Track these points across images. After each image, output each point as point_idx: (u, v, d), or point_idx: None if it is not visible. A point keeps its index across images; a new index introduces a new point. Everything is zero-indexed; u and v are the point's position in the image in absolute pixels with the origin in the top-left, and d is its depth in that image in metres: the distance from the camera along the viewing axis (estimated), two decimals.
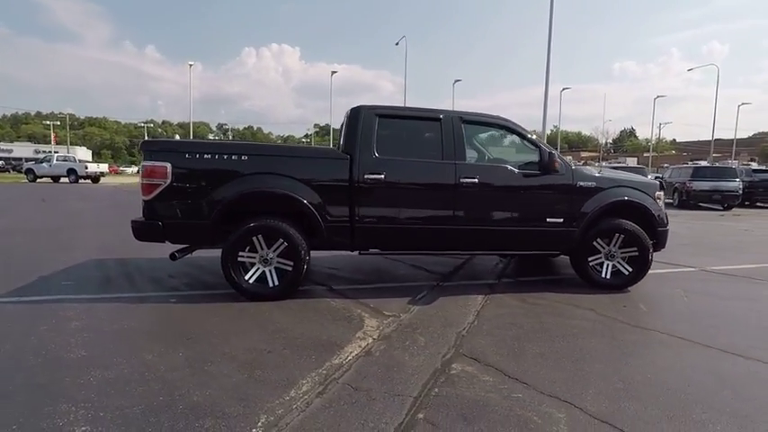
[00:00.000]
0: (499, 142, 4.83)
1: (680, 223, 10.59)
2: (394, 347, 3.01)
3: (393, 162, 4.08)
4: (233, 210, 3.89)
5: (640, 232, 4.44)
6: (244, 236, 3.84)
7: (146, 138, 71.87)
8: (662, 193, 4.77)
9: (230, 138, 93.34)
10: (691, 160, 41.68)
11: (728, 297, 4.51)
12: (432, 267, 5.48)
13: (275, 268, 3.98)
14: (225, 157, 3.88)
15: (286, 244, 3.90)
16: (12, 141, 71.76)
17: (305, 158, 4.14)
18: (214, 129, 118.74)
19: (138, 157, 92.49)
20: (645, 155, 61.17)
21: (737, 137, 47.51)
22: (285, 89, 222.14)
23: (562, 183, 4.35)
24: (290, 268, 3.94)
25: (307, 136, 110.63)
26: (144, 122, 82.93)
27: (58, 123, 67.60)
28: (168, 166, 3.78)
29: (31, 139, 75.11)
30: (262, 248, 3.92)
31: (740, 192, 15.35)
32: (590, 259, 4.55)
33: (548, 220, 4.34)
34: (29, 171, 27.93)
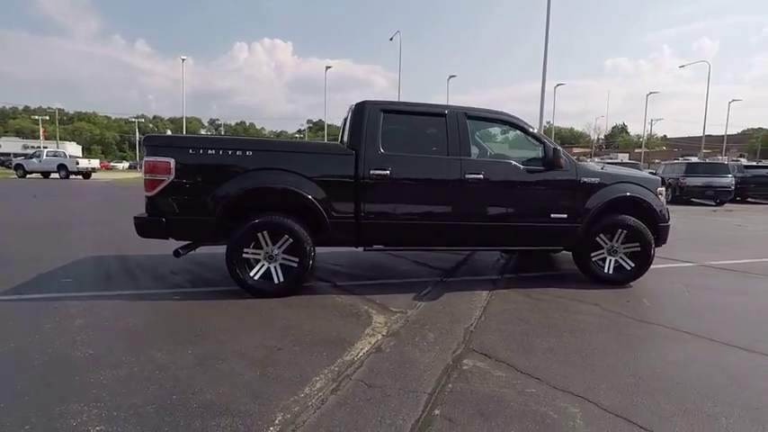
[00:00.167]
0: (503, 138, 4.83)
1: (675, 218, 10.61)
2: (404, 344, 3.01)
3: (399, 158, 4.06)
4: (237, 206, 3.85)
5: (643, 228, 4.48)
6: (249, 232, 3.81)
7: (137, 133, 71.09)
8: (663, 188, 4.81)
9: (223, 133, 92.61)
10: (681, 156, 42.14)
11: (728, 292, 4.56)
12: (434, 263, 5.48)
13: (280, 264, 3.95)
14: (229, 152, 3.83)
15: (291, 240, 3.87)
16: None
17: (310, 154, 4.11)
18: (206, 124, 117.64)
19: (128, 153, 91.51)
20: (636, 150, 61.71)
21: (727, 133, 48.10)
22: (277, 84, 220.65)
23: (566, 179, 4.37)
24: (295, 264, 3.92)
25: (300, 131, 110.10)
26: (135, 117, 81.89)
27: (47, 118, 66.49)
28: (171, 161, 3.73)
29: (19, 134, 73.84)
30: (267, 245, 3.89)
31: (732, 187, 15.55)
32: (593, 255, 4.58)
33: (552, 215, 4.35)
34: (18, 167, 27.47)
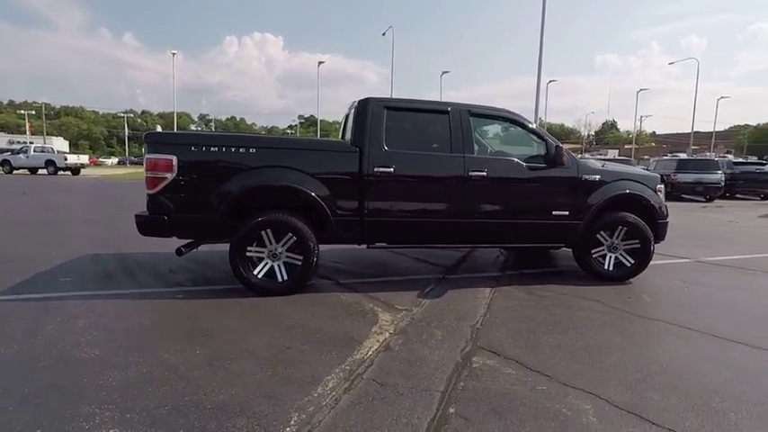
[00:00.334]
0: (506, 135, 4.84)
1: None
2: (412, 342, 3.01)
3: (403, 155, 4.05)
4: (241, 203, 3.81)
5: (643, 225, 4.53)
6: (252, 230, 3.78)
7: (126, 128, 70.04)
8: (662, 186, 4.86)
9: (213, 129, 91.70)
10: (670, 152, 42.61)
11: (726, 287, 4.63)
12: (434, 260, 5.50)
13: (284, 263, 3.93)
14: (232, 149, 3.79)
15: (295, 238, 3.85)
16: None
17: (314, 151, 4.08)
18: (196, 119, 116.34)
19: (117, 149, 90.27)
20: (626, 147, 62.32)
21: (713, 129, 48.78)
22: (268, 79, 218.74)
23: (568, 176, 4.39)
24: (299, 262, 3.90)
25: (290, 127, 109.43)
26: (123, 112, 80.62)
27: (33, 113, 65.22)
28: (174, 158, 3.68)
29: (4, 129, 72.29)
30: (270, 243, 3.87)
31: (722, 184, 15.78)
32: (593, 251, 4.62)
33: (554, 212, 4.38)
34: (5, 162, 26.90)
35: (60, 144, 51.67)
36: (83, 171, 28.14)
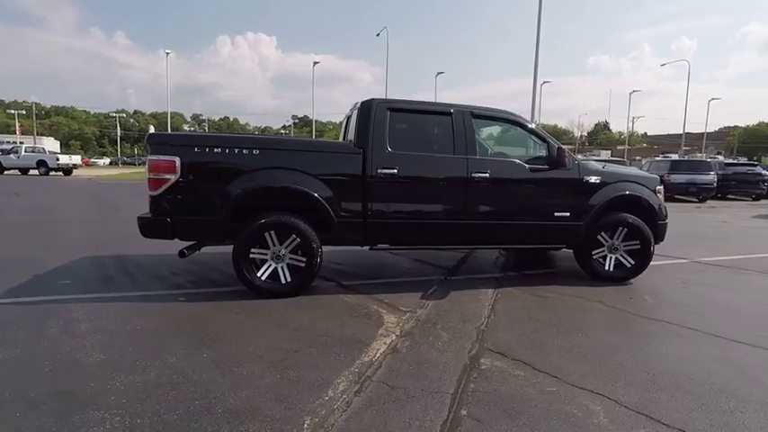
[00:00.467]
0: (507, 137, 4.86)
1: None
2: (419, 344, 3.01)
3: (406, 157, 4.05)
4: (244, 205, 3.79)
5: (643, 226, 4.56)
6: (256, 232, 3.76)
7: (118, 128, 69.38)
8: (662, 187, 4.91)
9: (206, 129, 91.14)
10: (662, 153, 43.09)
11: (725, 287, 4.69)
12: (434, 261, 5.50)
13: (287, 264, 3.91)
14: (236, 151, 3.76)
15: (299, 240, 3.83)
16: None
17: (318, 153, 4.07)
18: (188, 119, 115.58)
19: (108, 149, 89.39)
20: (618, 148, 62.86)
21: (705, 131, 49.37)
22: (261, 79, 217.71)
23: (569, 177, 4.42)
24: (302, 264, 3.88)
25: (284, 127, 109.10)
26: (116, 112, 79.75)
27: (24, 113, 64.40)
28: (177, 160, 3.65)
29: None
30: (274, 245, 3.85)
31: (715, 184, 15.97)
32: (594, 252, 4.65)
33: (555, 214, 4.40)
34: None
35: (51, 144, 50.98)
36: (75, 172, 27.83)
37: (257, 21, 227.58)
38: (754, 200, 17.74)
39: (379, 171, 3.96)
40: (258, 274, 3.83)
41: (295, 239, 3.84)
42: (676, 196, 16.41)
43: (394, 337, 3.11)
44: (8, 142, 43.22)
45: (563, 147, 4.36)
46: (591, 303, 3.98)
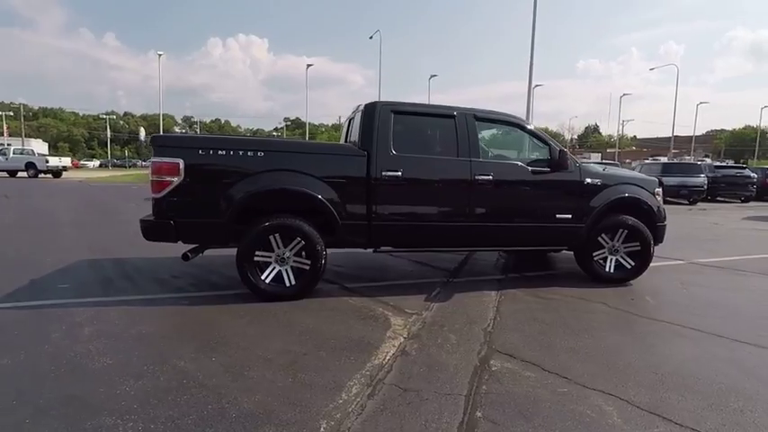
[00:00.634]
0: (508, 139, 4.89)
1: None
2: (428, 346, 3.01)
3: (410, 159, 4.06)
4: (248, 208, 3.77)
5: (643, 228, 4.61)
6: (261, 234, 3.74)
7: (108, 130, 68.60)
8: (660, 189, 4.97)
9: (198, 131, 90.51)
10: (651, 156, 43.66)
11: (723, 288, 4.76)
12: (436, 264, 5.51)
13: (291, 267, 3.89)
14: (240, 153, 3.74)
15: (303, 242, 3.82)
16: None
17: (323, 155, 4.06)
18: (180, 121, 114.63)
19: (98, 151, 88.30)
20: (608, 150, 63.56)
21: (692, 134, 50.16)
22: (253, 81, 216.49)
23: (571, 180, 4.46)
24: (307, 267, 3.86)
25: (276, 130, 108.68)
26: (105, 114, 78.88)
27: (11, 114, 63.38)
28: (180, 162, 3.62)
29: None
30: (278, 247, 3.83)
31: (705, 187, 16.21)
32: (595, 254, 4.69)
33: (557, 216, 4.44)
34: None
35: (39, 146, 50.19)
36: (64, 174, 27.45)
37: (249, 23, 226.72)
38: (742, 202, 18.03)
39: (383, 173, 3.96)
40: (262, 277, 3.80)
41: (300, 242, 3.82)
42: (668, 198, 16.62)
43: (402, 340, 3.10)
44: None
45: (565, 149, 4.39)
46: (594, 305, 4.01)
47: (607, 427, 2.10)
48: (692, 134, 50.55)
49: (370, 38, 38.94)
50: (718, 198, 18.47)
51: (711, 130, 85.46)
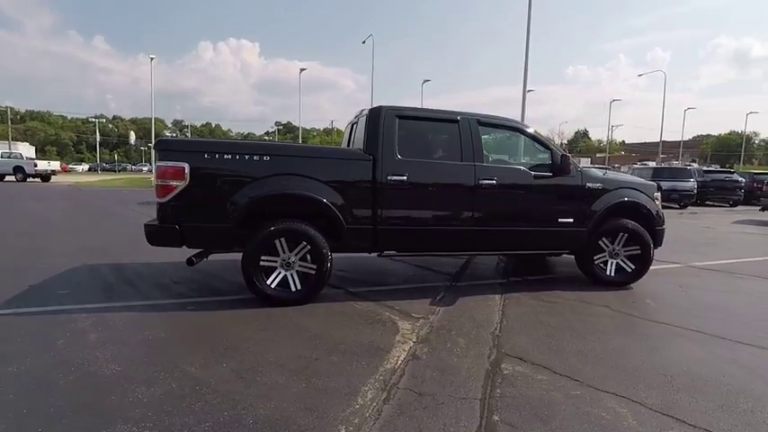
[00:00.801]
0: (512, 144, 4.94)
1: None
2: (438, 350, 3.02)
3: (415, 164, 4.08)
4: (254, 212, 3.75)
5: (642, 231, 4.68)
6: (267, 239, 3.72)
7: (97, 134, 67.66)
8: (659, 194, 5.05)
9: (188, 135, 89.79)
10: (639, 161, 44.25)
11: (721, 291, 4.84)
12: (437, 268, 5.53)
13: (296, 272, 3.87)
14: (246, 157, 3.73)
15: (309, 247, 3.81)
16: None
17: (328, 159, 4.06)
18: (170, 125, 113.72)
19: (86, 155, 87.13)
20: (598, 155, 64.36)
21: (678, 139, 51.06)
22: (244, 86, 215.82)
23: (572, 184, 4.51)
24: (312, 272, 3.85)
25: (267, 134, 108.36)
26: (94, 117, 77.98)
27: None
28: (186, 166, 3.59)
29: None
30: (284, 252, 3.81)
31: (695, 191, 16.49)
32: (595, 258, 4.74)
33: (560, 220, 4.48)
34: None
35: (26, 150, 49.32)
36: (53, 178, 27.05)
37: (240, 27, 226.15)
38: (731, 206, 18.37)
39: (389, 178, 3.97)
40: (268, 282, 3.78)
41: (305, 246, 3.81)
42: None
43: (411, 344, 3.10)
44: None
45: (567, 154, 4.45)
46: (597, 308, 4.05)
47: (623, 430, 2.12)
48: (678, 139, 51.50)
49: (363, 42, 38.97)
50: (708, 202, 18.80)
51: (698, 136, 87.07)
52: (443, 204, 4.23)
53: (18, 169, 24.95)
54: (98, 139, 66.73)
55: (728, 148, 74.86)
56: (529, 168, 4.49)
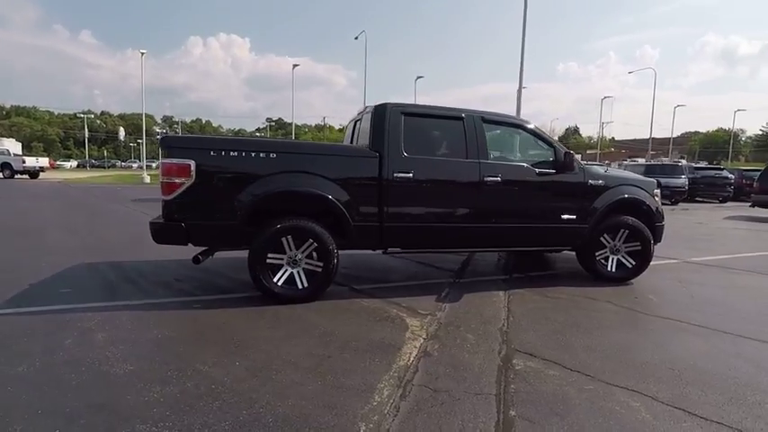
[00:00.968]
0: (515, 141, 4.95)
1: None
2: (448, 346, 3.03)
3: (421, 161, 4.08)
4: (261, 209, 3.73)
5: (643, 227, 4.74)
6: (274, 236, 3.70)
7: (86, 130, 66.70)
8: (659, 191, 5.11)
9: (178, 131, 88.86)
10: (629, 157, 44.74)
11: (719, 286, 4.92)
12: (439, 264, 5.55)
13: (303, 269, 3.86)
14: (252, 154, 3.70)
15: (316, 244, 3.80)
16: None
17: (335, 156, 4.05)
18: (159, 121, 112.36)
19: (74, 151, 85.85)
20: (588, 152, 64.91)
21: (667, 136, 51.71)
22: (235, 81, 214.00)
23: (575, 181, 4.55)
24: (319, 269, 3.85)
25: (259, 130, 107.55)
26: (82, 113, 76.72)
27: None
28: (192, 163, 3.56)
29: None
30: (290, 249, 3.80)
31: (686, 188, 16.72)
32: (597, 254, 4.79)
33: (563, 216, 4.52)
34: None
35: (13, 146, 48.47)
36: (42, 175, 26.60)
37: (230, 22, 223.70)
38: (720, 202, 18.66)
39: (395, 175, 3.97)
40: (275, 280, 3.76)
41: (312, 244, 3.80)
42: None
43: (422, 341, 3.12)
44: None
45: (570, 151, 4.48)
46: (600, 303, 4.10)
47: (638, 423, 2.16)
48: (667, 136, 52.20)
49: (356, 38, 38.76)
50: (697, 198, 19.07)
51: (686, 132, 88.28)
52: (449, 201, 4.24)
53: (5, 166, 24.51)
54: (86, 135, 65.73)
55: (716, 145, 76.00)
56: (534, 165, 4.52)
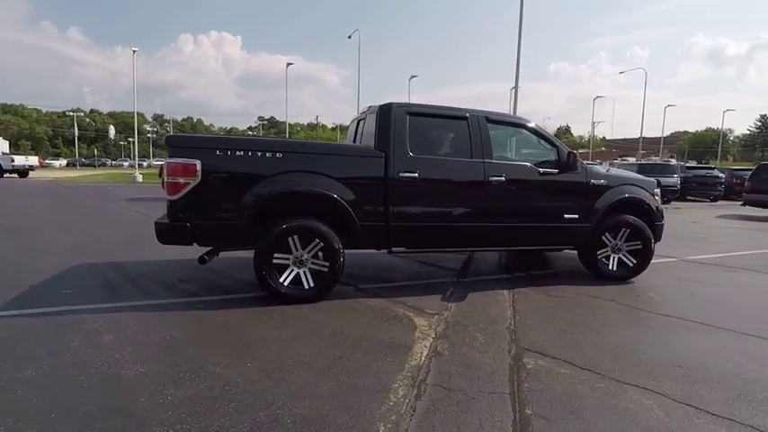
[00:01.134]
0: (518, 141, 4.98)
1: None
2: (458, 346, 3.04)
3: (427, 160, 4.09)
4: (267, 209, 3.71)
5: (644, 226, 4.79)
6: (280, 236, 3.68)
7: (75, 128, 65.74)
8: (659, 190, 5.17)
9: (169, 130, 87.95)
10: (620, 157, 45.16)
11: (718, 284, 4.99)
12: (441, 264, 5.56)
13: (309, 269, 3.85)
14: (259, 154, 3.68)
15: (322, 244, 3.79)
16: None
17: (341, 156, 4.03)
18: (149, 119, 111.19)
19: (63, 149, 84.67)
20: (580, 151, 65.39)
21: (656, 135, 52.30)
22: (226, 79, 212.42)
23: (578, 181, 4.58)
24: (325, 269, 3.83)
25: (250, 128, 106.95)
26: (72, 111, 75.63)
27: None
28: (197, 163, 3.53)
29: None
30: (296, 249, 3.78)
31: (678, 187, 16.91)
32: (598, 252, 4.83)
33: (565, 216, 4.55)
34: None
35: (0, 144, 47.75)
36: (31, 173, 26.20)
37: (222, 20, 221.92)
38: (712, 201, 18.90)
39: (401, 174, 3.97)
40: (281, 280, 3.75)
41: (318, 243, 3.79)
42: None
43: (431, 340, 3.13)
44: None
45: (573, 151, 4.51)
46: (604, 302, 4.14)
47: (653, 420, 2.18)
48: (657, 135, 52.71)
49: (349, 37, 38.63)
50: (689, 197, 19.30)
51: (675, 132, 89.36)
52: (454, 201, 4.26)
53: None
54: (76, 134, 64.85)
55: (705, 145, 77.06)
56: (537, 165, 4.54)
